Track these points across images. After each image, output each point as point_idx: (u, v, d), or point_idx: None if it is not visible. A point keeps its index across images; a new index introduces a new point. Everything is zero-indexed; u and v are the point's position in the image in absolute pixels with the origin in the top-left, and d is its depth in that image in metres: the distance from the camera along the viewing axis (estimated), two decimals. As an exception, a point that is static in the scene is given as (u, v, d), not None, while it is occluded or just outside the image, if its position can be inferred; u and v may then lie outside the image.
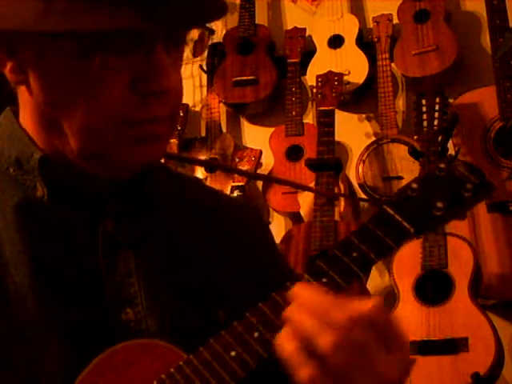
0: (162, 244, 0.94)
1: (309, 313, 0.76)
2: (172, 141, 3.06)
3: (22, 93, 0.89)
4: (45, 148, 0.89)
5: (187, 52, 2.90)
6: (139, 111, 0.84)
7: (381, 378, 0.75)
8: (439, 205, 0.83)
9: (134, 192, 0.93)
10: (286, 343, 0.77)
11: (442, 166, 0.84)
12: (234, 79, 3.16)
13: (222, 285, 0.96)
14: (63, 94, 0.84)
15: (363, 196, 2.92)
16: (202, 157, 3.17)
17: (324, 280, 0.80)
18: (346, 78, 2.94)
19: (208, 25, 0.92)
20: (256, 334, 0.80)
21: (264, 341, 0.79)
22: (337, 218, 2.78)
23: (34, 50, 0.84)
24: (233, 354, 0.79)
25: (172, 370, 0.81)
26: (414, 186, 0.84)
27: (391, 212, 0.83)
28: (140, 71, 0.83)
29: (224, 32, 3.26)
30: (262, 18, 3.29)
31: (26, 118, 0.91)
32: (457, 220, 0.81)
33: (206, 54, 3.28)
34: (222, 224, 1.02)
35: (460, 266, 2.47)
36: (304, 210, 2.88)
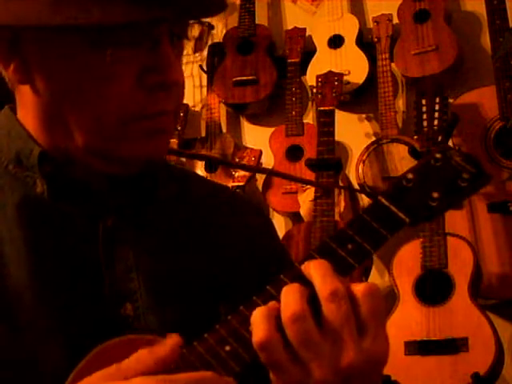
0: (163, 239, 0.94)
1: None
2: (172, 141, 3.06)
3: (22, 91, 0.89)
4: (45, 145, 0.89)
5: (188, 50, 2.90)
6: (147, 105, 0.84)
7: (340, 359, 0.74)
8: (435, 195, 0.82)
9: (135, 188, 0.93)
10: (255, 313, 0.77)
11: (438, 155, 0.83)
12: (234, 79, 3.16)
13: (224, 279, 0.96)
14: (72, 90, 0.84)
15: (363, 196, 2.92)
16: (202, 157, 3.17)
17: None
18: (346, 77, 2.94)
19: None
20: (251, 328, 0.79)
21: None
22: (337, 218, 2.78)
23: (39, 45, 0.83)
24: (227, 348, 0.78)
25: None
26: (410, 176, 0.83)
27: (386, 203, 0.82)
28: (148, 63, 0.83)
29: (224, 32, 3.25)
30: (262, 18, 3.29)
31: (26, 116, 0.91)
32: (453, 209, 0.80)
33: (205, 54, 3.29)
34: (223, 218, 1.02)
35: (460, 266, 2.47)
36: (304, 210, 2.88)
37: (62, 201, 0.90)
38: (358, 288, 0.76)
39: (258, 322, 0.75)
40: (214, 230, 1.00)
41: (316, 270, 0.77)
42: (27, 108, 0.90)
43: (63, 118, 0.86)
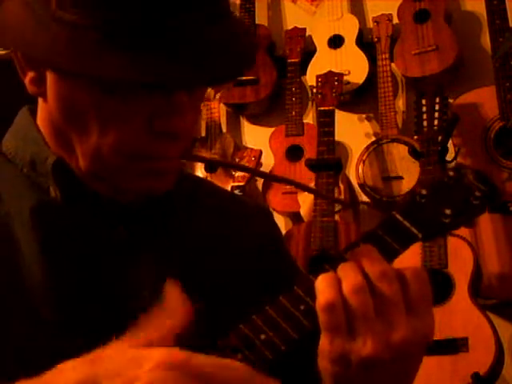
0: (175, 250, 0.95)
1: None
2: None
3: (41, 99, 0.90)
4: (57, 152, 0.90)
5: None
6: (150, 148, 0.84)
7: (391, 336, 0.77)
8: (447, 212, 0.83)
9: (148, 197, 0.93)
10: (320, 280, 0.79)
11: (451, 173, 0.85)
12: (233, 79, 3.16)
13: (234, 289, 0.97)
14: (78, 119, 0.84)
15: (363, 196, 2.93)
16: (202, 157, 3.17)
17: None
18: (346, 77, 2.94)
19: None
20: (263, 336, 0.80)
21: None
22: (337, 218, 2.78)
23: (57, 72, 0.84)
24: (239, 356, 0.79)
25: None
26: (423, 192, 0.85)
27: (400, 218, 0.84)
28: (158, 110, 0.83)
29: (224, 32, 3.25)
30: (262, 18, 3.28)
31: (42, 122, 0.92)
32: (465, 227, 0.82)
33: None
34: (233, 226, 1.03)
35: (460, 266, 2.48)
36: (304, 210, 2.88)
37: (75, 208, 0.91)
38: (407, 271, 0.80)
39: (325, 285, 0.78)
40: (224, 239, 1.01)
41: (364, 254, 0.80)
42: (43, 114, 0.92)
43: (69, 138, 0.87)
